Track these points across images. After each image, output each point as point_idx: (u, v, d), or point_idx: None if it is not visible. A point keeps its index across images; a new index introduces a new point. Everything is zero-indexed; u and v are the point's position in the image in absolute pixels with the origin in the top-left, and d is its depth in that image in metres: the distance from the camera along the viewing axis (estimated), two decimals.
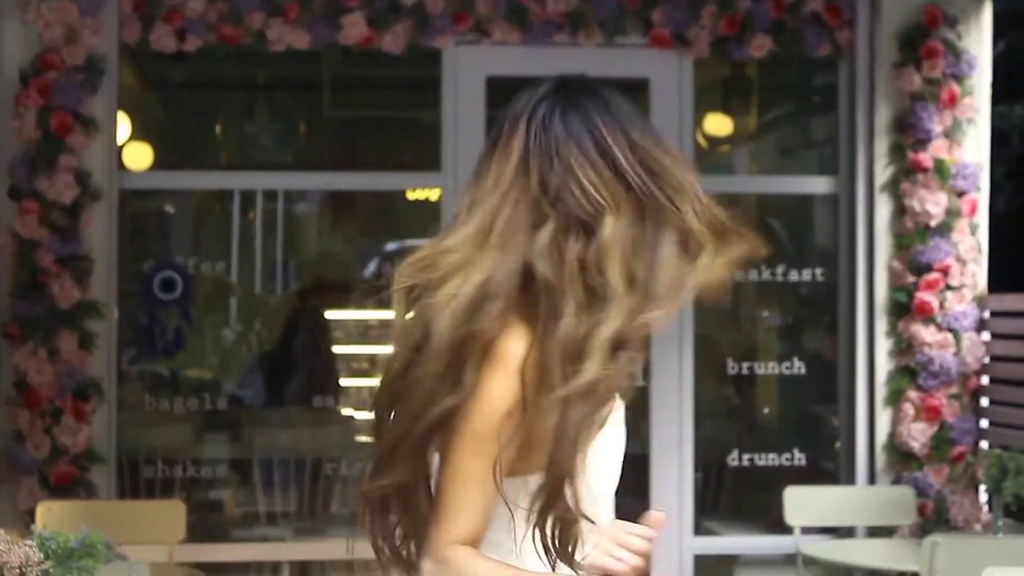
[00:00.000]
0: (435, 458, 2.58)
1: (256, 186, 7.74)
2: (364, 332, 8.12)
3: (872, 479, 6.76)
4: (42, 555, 3.67)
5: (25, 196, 6.30)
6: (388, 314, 7.04)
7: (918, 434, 6.63)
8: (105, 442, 6.45)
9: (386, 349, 5.63)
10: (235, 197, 8.06)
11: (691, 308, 6.79)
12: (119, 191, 6.59)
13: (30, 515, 5.87)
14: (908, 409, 6.66)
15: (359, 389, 8.06)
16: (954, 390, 6.69)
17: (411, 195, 8.54)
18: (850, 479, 6.84)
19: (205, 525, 7.31)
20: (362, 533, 2.64)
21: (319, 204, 8.78)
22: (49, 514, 5.76)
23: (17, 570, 3.65)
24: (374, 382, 7.57)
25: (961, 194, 6.70)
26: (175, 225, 7.99)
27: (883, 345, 6.77)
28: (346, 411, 7.78)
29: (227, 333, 8.35)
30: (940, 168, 6.66)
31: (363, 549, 6.02)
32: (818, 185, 7.11)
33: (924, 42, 6.69)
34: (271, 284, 8.37)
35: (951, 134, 6.69)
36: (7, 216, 6.34)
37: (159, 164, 7.26)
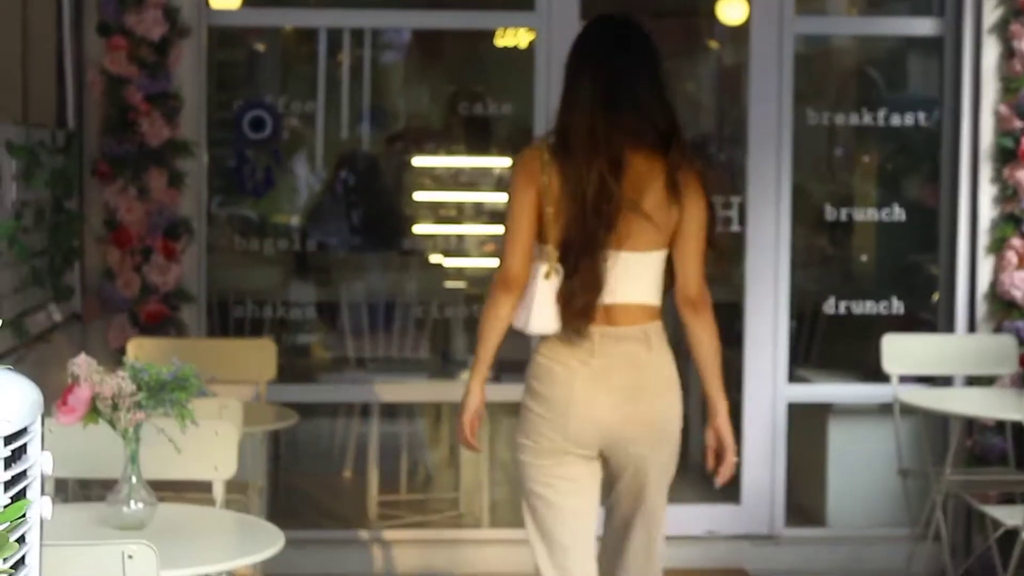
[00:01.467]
0: None
1: (343, 23, 7.60)
2: (453, 178, 8.03)
3: (972, 328, 6.62)
4: (134, 386, 3.64)
5: (114, 32, 6.23)
6: (475, 160, 6.97)
7: (1021, 283, 6.47)
8: (195, 281, 6.43)
9: (473, 195, 6.25)
10: (322, 37, 7.96)
11: (788, 153, 6.66)
12: (207, 28, 6.50)
13: (121, 352, 5.87)
14: (1011, 257, 6.50)
15: (446, 236, 8.01)
16: None
17: (500, 42, 8.41)
18: (949, 328, 6.71)
19: (293, 367, 7.32)
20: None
21: (406, 51, 8.67)
22: (140, 350, 5.77)
23: (110, 400, 3.63)
24: (462, 228, 7.49)
25: None
26: (264, 64, 7.90)
27: (987, 191, 6.60)
28: (434, 257, 7.72)
29: (313, 178, 8.30)
30: None
31: (452, 394, 6.04)
32: (922, 26, 6.90)
33: None
34: (358, 128, 8.29)
35: None
36: (96, 53, 6.28)
37: (247, 2, 7.14)
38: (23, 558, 2.65)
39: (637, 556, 4.42)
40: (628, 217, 4.23)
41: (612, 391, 4.24)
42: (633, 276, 4.27)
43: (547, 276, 4.25)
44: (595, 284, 4.20)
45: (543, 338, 4.33)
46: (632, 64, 4.29)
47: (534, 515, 4.34)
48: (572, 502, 4.31)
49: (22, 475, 2.64)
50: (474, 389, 4.37)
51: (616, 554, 4.43)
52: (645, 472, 4.31)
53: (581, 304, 4.22)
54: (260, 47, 7.78)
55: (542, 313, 4.26)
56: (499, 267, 4.32)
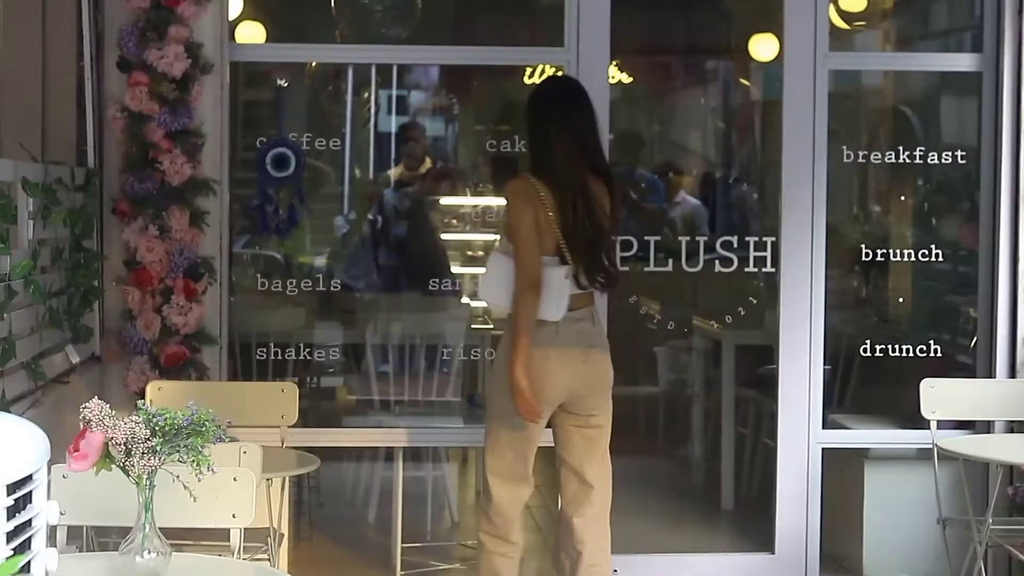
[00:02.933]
0: None
1: (370, 59, 7.51)
2: (479, 218, 7.94)
3: (1013, 372, 6.48)
4: (148, 431, 3.51)
5: (134, 68, 6.13)
6: (502, 201, 6.94)
7: None
8: (216, 323, 6.31)
9: (498, 236, 6.47)
10: (349, 75, 7.88)
11: (822, 192, 6.54)
12: (230, 64, 6.40)
13: (140, 395, 5.78)
14: None
15: (473, 276, 7.91)
16: None
17: (528, 80, 8.32)
18: (989, 372, 6.56)
19: (317, 410, 7.21)
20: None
21: (434, 88, 8.61)
22: (159, 393, 5.66)
23: (123, 446, 3.50)
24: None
25: None
26: (288, 102, 7.81)
27: None
28: (462, 298, 7.62)
29: (340, 216, 8.22)
30: None
31: (479, 438, 5.90)
32: (960, 62, 6.77)
33: None
34: (384, 167, 8.21)
35: None
36: (117, 89, 6.18)
37: (271, 38, 7.06)
38: None
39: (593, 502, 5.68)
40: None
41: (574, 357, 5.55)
42: None
43: (567, 277, 5.53)
44: (598, 281, 5.59)
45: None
46: (587, 116, 5.65)
47: (498, 449, 5.63)
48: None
49: (27, 525, 2.52)
50: (520, 373, 5.45)
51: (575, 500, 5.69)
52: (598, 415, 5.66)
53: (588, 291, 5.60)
54: (284, 83, 7.69)
55: (560, 304, 5.52)
56: (524, 273, 5.50)
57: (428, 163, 8.21)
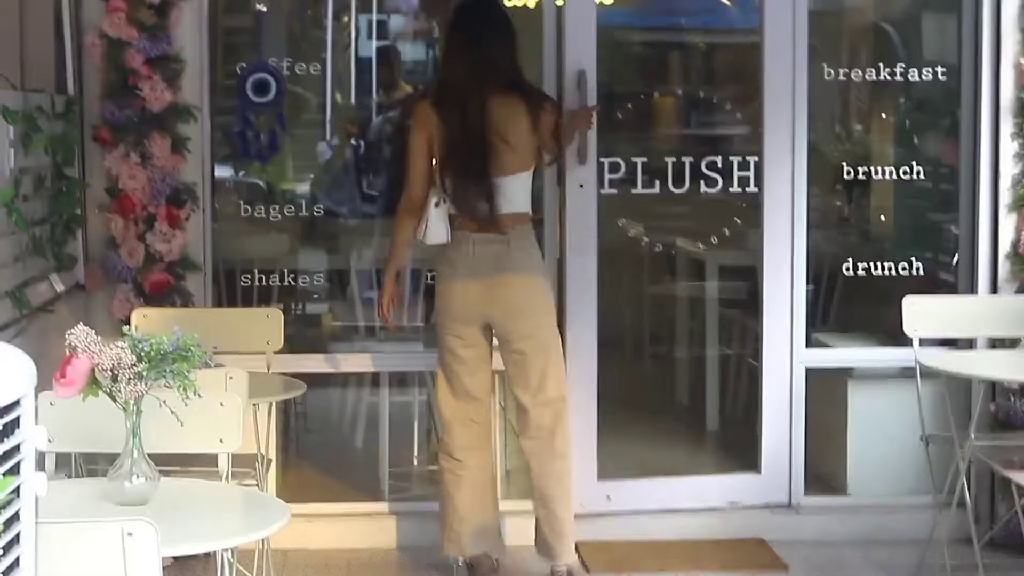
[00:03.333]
0: None
1: None
2: None
3: (995, 288, 6.49)
4: (134, 357, 3.52)
5: None
6: None
7: None
8: (200, 250, 6.31)
9: None
10: None
11: (803, 111, 6.52)
12: None
13: (125, 323, 5.78)
14: None
15: None
16: None
17: (508, 2, 8.29)
18: (971, 289, 6.58)
19: (303, 336, 7.21)
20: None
21: (415, 12, 8.56)
22: (144, 321, 5.66)
23: (109, 372, 3.51)
24: None
25: None
26: (268, 27, 7.76)
27: (1008, 148, 6.45)
28: None
29: (321, 144, 8.19)
30: None
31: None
32: None
33: None
34: (366, 92, 8.17)
35: None
36: (95, 16, 6.15)
37: None
38: (17, 536, 2.54)
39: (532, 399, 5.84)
40: (497, 149, 5.69)
41: (482, 281, 5.73)
42: (507, 194, 5.72)
43: (437, 205, 5.75)
44: (477, 207, 5.70)
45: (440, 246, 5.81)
46: (493, 37, 5.72)
47: (440, 366, 5.97)
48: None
49: (15, 451, 2.53)
50: (387, 281, 5.99)
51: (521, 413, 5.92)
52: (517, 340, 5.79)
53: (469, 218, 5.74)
54: (264, 8, 7.64)
55: (435, 229, 5.75)
56: (403, 195, 5.88)
57: (409, 88, 8.18)
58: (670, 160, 6.64)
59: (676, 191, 6.66)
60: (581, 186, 6.36)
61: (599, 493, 6.51)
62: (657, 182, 6.64)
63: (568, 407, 5.91)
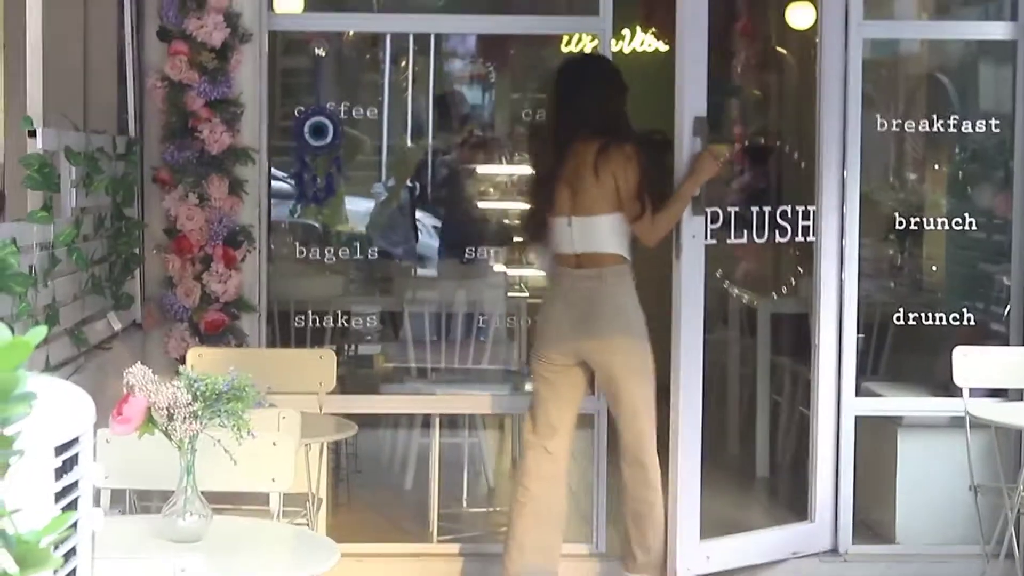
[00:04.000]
0: None
1: (408, 28, 7.55)
2: (515, 187, 7.97)
3: None
4: (190, 396, 3.58)
5: (174, 37, 6.19)
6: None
7: None
8: (255, 290, 6.38)
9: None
10: (387, 43, 7.91)
11: (855, 160, 6.54)
12: (269, 33, 6.45)
13: (181, 362, 5.84)
14: None
15: (510, 244, 7.94)
16: None
17: (565, 48, 8.35)
18: (1021, 340, 6.57)
19: (355, 377, 7.26)
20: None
21: (471, 57, 8.62)
22: (199, 360, 5.72)
23: (165, 411, 3.57)
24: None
25: None
26: (326, 71, 7.86)
27: None
28: (497, 267, 7.66)
29: (378, 184, 8.26)
30: None
31: (512, 406, 5.97)
32: (994, 30, 6.76)
33: None
34: (421, 135, 8.24)
35: None
36: (157, 59, 6.25)
37: (309, 7, 7.10)
38: (73, 571, 2.59)
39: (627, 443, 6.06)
40: (574, 189, 5.98)
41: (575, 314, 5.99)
42: (587, 234, 5.99)
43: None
44: (551, 241, 6.09)
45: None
46: (583, 87, 6.04)
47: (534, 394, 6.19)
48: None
49: (73, 487, 2.58)
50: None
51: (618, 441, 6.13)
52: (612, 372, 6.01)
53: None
54: (322, 52, 7.73)
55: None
56: None
57: (465, 132, 8.25)
58: (755, 210, 6.54)
59: (759, 241, 6.56)
60: (693, 237, 6.28)
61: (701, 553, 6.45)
62: (745, 232, 6.53)
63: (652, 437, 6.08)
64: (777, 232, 6.52)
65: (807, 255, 6.72)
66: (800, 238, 6.59)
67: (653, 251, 6.13)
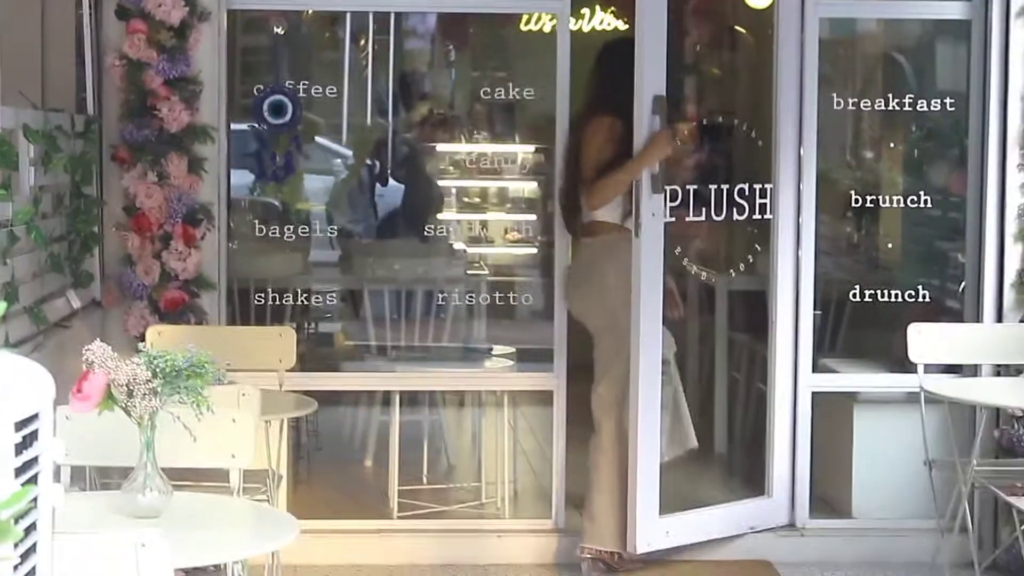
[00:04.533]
0: None
1: (367, 7, 7.55)
2: (475, 165, 7.99)
3: (1000, 317, 6.55)
4: (149, 373, 3.60)
5: (133, 16, 6.19)
6: (498, 148, 7.00)
7: None
8: (215, 268, 6.39)
9: (497, 182, 6.88)
10: (347, 22, 7.91)
11: (812, 139, 6.59)
12: (227, 11, 6.45)
13: (140, 339, 5.85)
14: None
15: (469, 222, 7.97)
16: None
17: (524, 27, 8.36)
18: (976, 317, 6.64)
19: (315, 355, 7.28)
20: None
21: (430, 36, 8.63)
22: (159, 338, 5.74)
23: (125, 387, 3.59)
24: (485, 215, 7.94)
25: None
26: (285, 49, 7.85)
27: (1015, 179, 6.52)
28: (458, 244, 7.68)
29: (336, 164, 8.26)
30: None
31: (475, 382, 6.00)
32: (950, 9, 6.81)
33: None
34: (382, 114, 8.24)
35: None
36: (115, 37, 6.24)
37: None
38: (34, 546, 2.61)
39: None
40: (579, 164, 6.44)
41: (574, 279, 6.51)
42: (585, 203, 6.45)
43: None
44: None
45: None
46: (595, 69, 6.58)
47: None
48: None
49: (33, 462, 2.60)
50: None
51: None
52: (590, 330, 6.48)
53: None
54: (281, 31, 7.72)
55: None
56: None
57: (424, 110, 8.26)
58: (712, 188, 6.57)
59: (717, 219, 6.60)
60: (653, 215, 6.31)
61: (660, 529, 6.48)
62: (703, 210, 6.56)
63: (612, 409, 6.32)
64: (735, 210, 6.57)
65: (765, 233, 6.76)
66: (758, 216, 6.63)
67: None
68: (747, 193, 6.60)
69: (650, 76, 6.16)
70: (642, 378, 6.20)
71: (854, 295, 6.90)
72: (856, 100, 7.01)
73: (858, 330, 7.15)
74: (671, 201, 6.30)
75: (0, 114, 4.93)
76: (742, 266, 7.12)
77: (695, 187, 6.62)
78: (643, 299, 6.20)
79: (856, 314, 7.05)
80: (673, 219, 6.34)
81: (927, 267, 7.21)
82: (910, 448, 6.40)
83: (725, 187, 6.57)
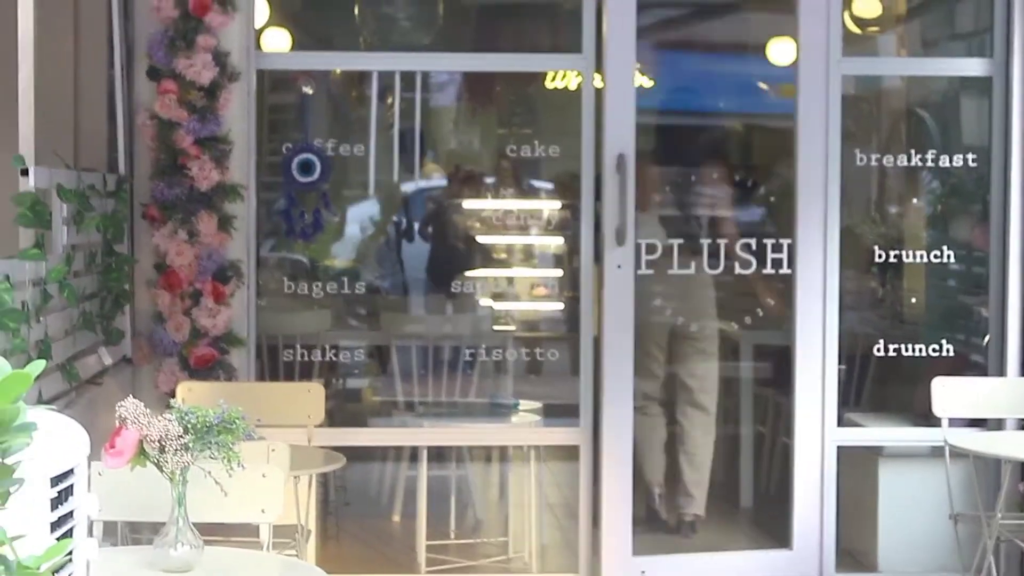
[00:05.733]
0: None
1: (394, 67, 7.64)
2: (501, 221, 8.04)
3: (1023, 371, 6.57)
4: (181, 429, 3.65)
5: (164, 76, 6.28)
6: (524, 204, 7.10)
7: None
8: (244, 325, 6.45)
9: (523, 238, 6.88)
10: (373, 81, 8.00)
11: (836, 194, 6.63)
12: (257, 72, 6.54)
13: (171, 396, 5.89)
14: None
15: (496, 278, 8.02)
16: None
17: (550, 84, 8.43)
18: (1000, 371, 6.66)
19: (343, 410, 7.32)
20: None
21: (457, 93, 8.70)
22: (189, 394, 5.78)
23: (157, 443, 3.64)
24: (511, 271, 8.02)
25: None
26: (313, 108, 7.94)
27: None
28: (484, 300, 7.73)
29: (365, 220, 8.33)
30: None
31: (502, 437, 6.01)
32: (971, 67, 6.87)
33: None
34: (408, 171, 8.32)
35: None
36: (146, 97, 6.33)
37: (296, 46, 7.19)
38: None
39: None
40: None
41: None
42: None
43: None
44: None
45: None
46: None
47: None
48: None
49: (68, 517, 2.66)
50: None
51: None
52: None
53: None
54: (309, 90, 7.82)
55: None
56: None
57: (451, 167, 8.32)
58: (705, 242, 6.73)
59: (711, 271, 6.76)
60: (619, 267, 6.44)
61: (634, 569, 6.58)
62: (693, 263, 6.73)
63: None
64: (738, 264, 6.70)
65: (787, 287, 6.82)
66: (771, 270, 6.71)
67: None
68: (753, 248, 6.72)
69: (613, 134, 6.29)
70: (613, 426, 6.43)
71: (878, 349, 6.93)
72: (878, 156, 7.06)
73: (883, 384, 7.18)
74: (648, 254, 6.52)
75: (35, 174, 5.00)
76: (757, 319, 7.22)
77: (680, 241, 6.77)
78: (612, 352, 6.35)
79: (881, 368, 7.08)
80: (651, 271, 6.57)
81: (951, 321, 7.24)
82: (935, 502, 6.42)
83: (723, 241, 6.73)
